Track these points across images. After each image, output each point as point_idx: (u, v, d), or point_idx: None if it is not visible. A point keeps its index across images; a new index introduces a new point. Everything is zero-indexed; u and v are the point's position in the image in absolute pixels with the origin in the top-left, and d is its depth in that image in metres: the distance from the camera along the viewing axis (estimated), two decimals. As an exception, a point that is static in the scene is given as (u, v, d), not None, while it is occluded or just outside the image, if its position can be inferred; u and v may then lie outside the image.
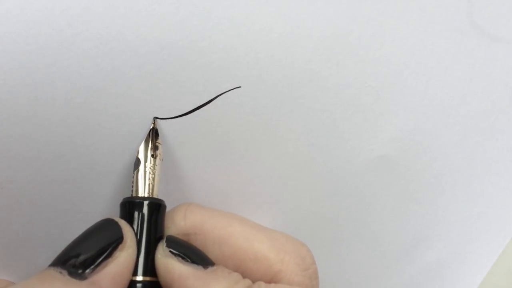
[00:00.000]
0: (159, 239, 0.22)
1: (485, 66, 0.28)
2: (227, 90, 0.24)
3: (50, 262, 0.20)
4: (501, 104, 0.30)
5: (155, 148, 0.23)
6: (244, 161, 0.26)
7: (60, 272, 0.19)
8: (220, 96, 0.24)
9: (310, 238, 0.29)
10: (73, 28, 0.21)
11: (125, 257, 0.20)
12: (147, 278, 0.21)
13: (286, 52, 0.24)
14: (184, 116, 0.24)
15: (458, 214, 0.33)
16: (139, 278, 0.21)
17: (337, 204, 0.30)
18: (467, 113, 0.29)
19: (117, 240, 0.20)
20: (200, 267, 0.21)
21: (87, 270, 0.19)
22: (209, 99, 0.24)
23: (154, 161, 0.23)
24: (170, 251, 0.21)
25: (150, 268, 0.21)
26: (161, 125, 0.24)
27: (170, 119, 0.24)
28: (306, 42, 0.24)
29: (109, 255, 0.20)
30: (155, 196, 0.23)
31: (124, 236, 0.21)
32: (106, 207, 0.25)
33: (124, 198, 0.23)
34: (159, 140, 0.24)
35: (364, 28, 0.25)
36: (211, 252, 0.22)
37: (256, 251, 0.22)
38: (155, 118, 0.23)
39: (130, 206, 0.22)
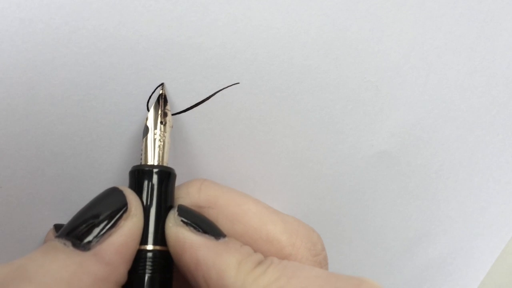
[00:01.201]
0: (169, 208, 0.21)
1: (485, 60, 0.28)
2: (225, 86, 0.24)
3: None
4: (502, 98, 0.30)
5: (164, 114, 0.23)
6: (243, 158, 0.26)
7: (64, 244, 0.19)
8: (219, 93, 0.24)
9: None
10: (70, 26, 0.21)
11: (130, 226, 0.20)
12: (157, 247, 0.20)
13: (284, 48, 0.24)
14: (182, 113, 0.24)
15: (460, 209, 0.33)
16: (149, 247, 0.20)
17: (337, 200, 0.30)
18: (467, 107, 0.29)
19: (122, 209, 0.20)
20: (212, 238, 0.20)
21: (91, 241, 0.19)
22: (208, 95, 0.24)
23: (164, 128, 0.23)
24: (182, 220, 0.21)
25: (160, 237, 0.21)
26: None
27: (173, 116, 0.24)
28: (304, 38, 0.24)
29: (114, 225, 0.19)
30: (165, 164, 0.22)
31: (128, 204, 0.20)
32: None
33: (133, 166, 0.22)
34: (167, 107, 0.23)
35: (363, 23, 0.25)
36: (223, 228, 0.22)
37: (268, 232, 0.22)
38: (163, 85, 0.23)
39: (139, 174, 0.21)
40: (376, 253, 0.33)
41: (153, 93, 0.23)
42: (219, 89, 0.24)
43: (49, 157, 0.23)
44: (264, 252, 0.21)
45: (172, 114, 0.24)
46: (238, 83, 0.24)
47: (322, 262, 0.23)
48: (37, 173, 0.24)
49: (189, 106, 0.24)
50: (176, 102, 0.24)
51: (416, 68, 0.27)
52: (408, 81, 0.27)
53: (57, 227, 0.24)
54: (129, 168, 0.25)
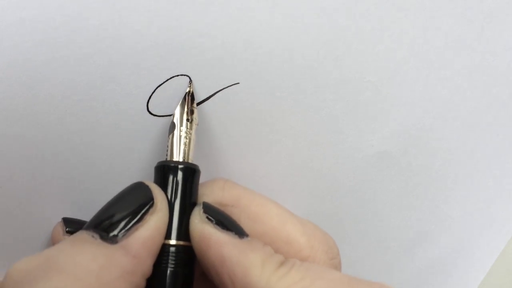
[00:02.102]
0: (193, 204, 0.22)
1: (485, 60, 0.28)
2: (226, 86, 0.24)
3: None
4: (502, 98, 0.30)
5: (190, 112, 0.23)
6: (243, 158, 0.26)
7: (92, 236, 0.19)
8: (219, 93, 0.24)
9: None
10: (70, 26, 0.21)
11: (156, 221, 0.20)
12: (181, 243, 0.21)
13: (284, 48, 0.24)
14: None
15: (460, 209, 0.33)
16: (173, 242, 0.21)
17: (338, 200, 0.30)
18: (467, 108, 0.29)
19: (148, 204, 0.20)
20: (236, 236, 0.21)
21: (118, 234, 0.19)
22: (208, 95, 0.24)
23: (190, 125, 0.23)
24: (207, 217, 0.21)
25: (184, 232, 0.21)
26: (160, 122, 0.24)
27: (168, 117, 0.24)
28: (304, 38, 0.24)
29: (140, 219, 0.20)
30: (190, 161, 0.22)
31: (155, 199, 0.20)
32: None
33: (159, 162, 0.22)
34: (194, 104, 0.23)
35: (363, 23, 0.25)
36: (244, 227, 0.22)
37: (288, 233, 0.22)
38: (191, 81, 0.23)
39: (164, 170, 0.22)
40: (376, 253, 0.33)
41: (152, 93, 0.23)
42: (219, 89, 0.24)
43: (49, 157, 0.23)
44: (283, 253, 0.22)
45: (172, 114, 0.24)
46: (238, 83, 0.24)
47: (338, 266, 0.23)
48: (37, 173, 0.24)
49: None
50: (176, 102, 0.24)
51: (416, 68, 0.27)
52: (408, 81, 0.27)
53: (66, 220, 0.24)
54: (129, 168, 0.25)
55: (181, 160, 0.22)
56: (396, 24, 0.25)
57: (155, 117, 0.24)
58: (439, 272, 0.35)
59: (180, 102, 0.23)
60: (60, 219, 0.25)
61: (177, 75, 0.23)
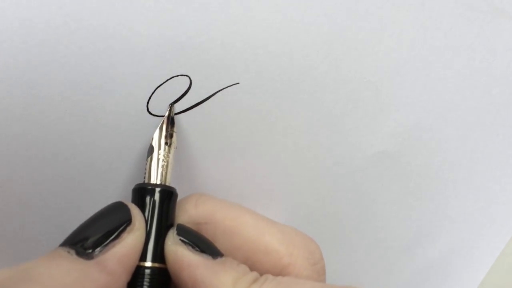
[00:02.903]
0: (169, 226, 0.22)
1: (486, 60, 0.28)
2: (225, 86, 0.24)
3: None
4: (502, 98, 0.30)
5: (169, 136, 0.23)
6: (243, 158, 0.26)
7: (68, 252, 0.19)
8: (218, 93, 0.24)
9: (311, 234, 0.29)
10: (70, 26, 0.21)
11: (132, 239, 0.20)
12: (156, 265, 0.21)
13: (284, 48, 0.24)
14: (182, 114, 0.24)
15: (460, 209, 0.33)
16: (148, 264, 0.21)
17: (337, 200, 0.30)
18: (467, 108, 0.29)
19: (126, 223, 0.20)
20: (210, 257, 0.21)
21: (95, 250, 0.19)
22: (207, 96, 0.24)
23: (168, 149, 0.23)
24: (180, 239, 0.21)
25: (159, 255, 0.21)
26: (160, 122, 0.24)
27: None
28: (304, 38, 0.24)
29: (117, 237, 0.20)
30: (167, 183, 0.23)
31: (132, 218, 0.21)
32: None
33: (137, 184, 0.23)
34: (174, 128, 0.24)
35: (363, 23, 0.25)
36: (221, 242, 0.22)
37: (266, 243, 0.22)
38: (171, 104, 0.23)
39: (142, 192, 0.22)
40: (376, 253, 0.33)
41: (153, 93, 0.23)
42: (219, 89, 0.24)
43: (49, 157, 0.23)
44: (263, 263, 0.22)
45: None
46: (238, 83, 0.24)
47: (320, 271, 0.23)
48: (37, 173, 0.24)
49: (189, 106, 0.24)
50: (178, 103, 0.24)
51: (416, 68, 0.26)
52: (408, 81, 0.27)
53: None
54: (129, 168, 0.25)
55: (158, 182, 0.22)
56: (396, 24, 0.25)
57: (155, 117, 0.24)
58: (439, 272, 0.35)
59: (159, 125, 0.23)
60: (59, 220, 0.25)
61: (177, 75, 0.23)
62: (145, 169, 0.23)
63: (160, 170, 0.23)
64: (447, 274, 0.35)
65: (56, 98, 0.22)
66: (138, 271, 0.21)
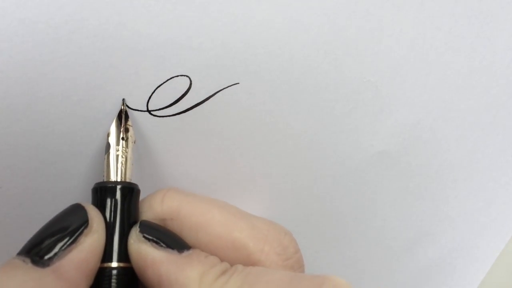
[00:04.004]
0: (133, 224, 0.21)
1: (485, 60, 0.28)
2: (225, 86, 0.24)
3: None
4: (502, 98, 0.30)
5: (125, 130, 0.23)
6: (243, 158, 0.26)
7: (23, 261, 0.19)
8: (218, 93, 0.24)
9: (311, 235, 0.29)
10: (70, 25, 0.21)
11: (90, 242, 0.19)
12: (121, 264, 0.20)
13: (284, 48, 0.24)
14: (182, 114, 0.24)
15: (460, 209, 0.33)
16: (113, 264, 0.20)
17: (338, 200, 0.30)
18: (467, 107, 0.29)
19: (83, 225, 0.20)
20: (175, 252, 0.20)
21: (50, 257, 0.19)
22: (208, 95, 0.24)
23: (126, 144, 0.22)
24: (144, 236, 0.21)
25: (124, 254, 0.21)
26: (158, 123, 0.24)
27: (168, 117, 0.24)
28: (304, 37, 0.24)
29: (74, 241, 0.19)
30: (128, 180, 0.22)
31: (90, 220, 0.20)
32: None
33: (95, 183, 0.22)
34: (129, 122, 0.23)
35: (363, 23, 0.25)
36: (188, 239, 0.21)
37: (234, 240, 0.21)
38: (124, 100, 0.23)
39: (101, 191, 0.21)
40: (376, 253, 0.33)
41: (153, 93, 0.23)
42: (219, 89, 0.24)
43: (49, 157, 0.23)
44: (231, 260, 0.21)
45: (173, 115, 0.24)
46: (238, 83, 0.24)
47: (294, 266, 0.22)
48: (37, 173, 0.24)
49: (189, 106, 0.24)
50: (178, 103, 0.24)
51: (416, 68, 0.26)
52: (408, 81, 0.27)
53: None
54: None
55: (118, 179, 0.22)
56: (396, 24, 0.25)
57: (155, 117, 0.24)
58: (439, 272, 0.35)
59: (114, 120, 0.23)
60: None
61: (177, 75, 0.23)
62: (104, 166, 0.22)
63: (119, 166, 0.22)
64: (447, 274, 0.35)
65: (56, 97, 0.22)
66: (103, 272, 0.20)
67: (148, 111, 0.23)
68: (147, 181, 0.25)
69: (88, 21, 0.21)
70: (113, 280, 0.20)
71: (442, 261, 0.35)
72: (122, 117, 0.23)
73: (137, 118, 0.24)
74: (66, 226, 0.19)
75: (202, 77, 0.23)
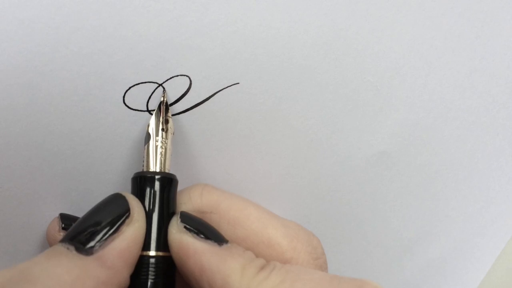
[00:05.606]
0: (171, 214, 0.22)
1: (485, 60, 0.28)
2: (225, 86, 0.24)
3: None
4: (502, 98, 0.30)
5: (165, 121, 0.23)
6: (243, 158, 0.26)
7: (67, 248, 0.19)
8: (218, 93, 0.24)
9: (310, 235, 0.29)
10: (70, 26, 0.21)
11: (132, 231, 0.20)
12: (160, 253, 0.21)
13: (284, 48, 0.24)
14: (182, 114, 0.24)
15: (460, 209, 0.33)
16: (152, 253, 0.21)
17: (337, 200, 0.30)
18: (467, 108, 0.29)
19: (124, 215, 0.20)
20: (215, 244, 0.21)
21: (94, 245, 0.19)
22: (208, 95, 0.24)
23: (165, 135, 0.23)
24: (185, 227, 0.21)
25: (163, 243, 0.21)
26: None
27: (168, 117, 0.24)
28: (304, 38, 0.24)
29: (116, 230, 0.20)
30: (167, 170, 0.22)
31: (131, 210, 0.20)
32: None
33: (135, 173, 0.22)
34: (169, 113, 0.23)
35: (363, 23, 0.25)
36: (224, 233, 0.22)
37: (270, 236, 0.22)
38: (164, 91, 0.23)
39: (141, 180, 0.22)
40: (376, 253, 0.33)
41: (152, 93, 0.23)
42: (219, 89, 0.24)
43: (49, 157, 0.23)
44: (265, 256, 0.22)
45: (172, 115, 0.24)
46: (238, 83, 0.24)
47: (322, 266, 0.23)
48: (37, 173, 0.24)
49: (189, 106, 0.24)
50: (178, 102, 0.24)
51: (416, 68, 0.27)
52: (408, 81, 0.27)
53: (63, 216, 0.24)
54: (129, 168, 0.25)
55: (157, 170, 0.22)
56: (396, 24, 0.25)
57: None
58: (439, 272, 0.35)
59: (155, 112, 0.23)
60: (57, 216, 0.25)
61: (177, 75, 0.23)
62: (143, 156, 0.23)
63: (158, 157, 0.22)
64: (447, 274, 0.35)
65: (56, 97, 0.22)
66: (142, 260, 0.21)
67: (148, 111, 0.23)
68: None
69: (88, 22, 0.21)
70: (151, 268, 0.21)
71: (442, 261, 0.35)
72: (162, 108, 0.23)
73: (137, 118, 0.24)
74: (108, 216, 0.20)
75: (202, 77, 0.23)
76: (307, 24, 0.24)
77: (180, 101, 0.24)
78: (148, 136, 0.23)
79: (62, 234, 0.23)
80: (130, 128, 0.24)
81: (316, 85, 0.25)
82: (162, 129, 0.23)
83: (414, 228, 0.32)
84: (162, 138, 0.23)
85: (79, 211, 0.25)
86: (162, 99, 0.23)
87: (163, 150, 0.22)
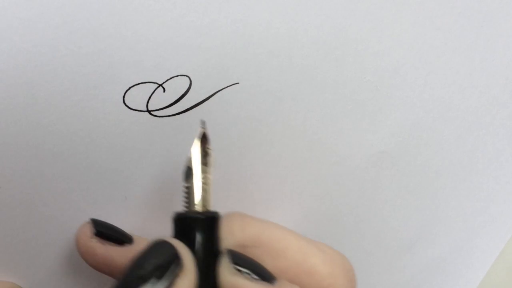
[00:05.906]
0: (216, 253, 0.20)
1: (485, 60, 0.28)
2: (225, 86, 0.24)
3: (51, 262, 0.19)
4: (502, 98, 0.30)
5: (206, 154, 0.21)
6: (243, 158, 0.26)
7: None
8: (218, 93, 0.24)
9: (310, 235, 0.29)
10: (70, 26, 0.21)
11: (186, 284, 0.19)
12: None
13: (284, 48, 0.24)
14: (182, 114, 0.24)
15: (459, 209, 0.33)
16: None
17: (337, 200, 0.30)
18: (467, 107, 0.29)
19: (176, 266, 0.19)
20: (268, 284, 0.20)
21: None
22: (207, 96, 0.24)
23: (207, 170, 0.21)
24: (236, 268, 0.20)
25: (212, 286, 0.20)
26: (160, 123, 0.24)
27: (168, 117, 0.24)
28: (304, 37, 0.24)
29: (170, 286, 0.18)
30: (210, 208, 0.21)
31: (183, 260, 0.19)
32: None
33: (177, 214, 0.21)
34: (209, 146, 0.22)
35: (362, 23, 0.25)
36: (266, 266, 0.21)
37: (310, 265, 0.21)
38: (203, 121, 0.22)
39: (185, 222, 0.20)
40: (376, 253, 0.33)
41: (152, 93, 0.23)
42: (219, 89, 0.24)
43: (49, 157, 0.23)
44: (306, 285, 0.21)
45: (172, 115, 0.24)
46: (238, 83, 0.24)
47: (354, 286, 0.23)
48: (37, 173, 0.24)
49: (189, 106, 0.24)
50: (177, 103, 0.24)
51: (416, 68, 0.27)
52: (407, 81, 0.27)
53: (95, 222, 0.23)
54: (129, 168, 0.25)
55: (200, 209, 0.21)
56: (396, 24, 0.25)
57: (155, 117, 0.24)
58: (439, 272, 0.35)
59: (195, 144, 0.21)
60: (59, 220, 0.24)
61: (177, 75, 0.23)
62: (184, 193, 0.21)
63: (202, 194, 0.21)
64: (447, 274, 0.35)
65: (56, 97, 0.22)
66: None
67: (148, 111, 0.23)
68: (150, 179, 0.25)
69: (88, 21, 0.21)
70: None
71: (442, 261, 0.35)
72: (203, 141, 0.21)
73: (137, 118, 0.24)
74: (159, 269, 0.18)
75: (202, 77, 0.23)
76: (307, 24, 0.24)
77: (180, 101, 0.24)
78: (189, 171, 0.21)
79: (95, 239, 0.23)
80: (130, 128, 0.24)
81: (315, 85, 0.25)
82: (204, 164, 0.21)
83: (414, 228, 0.32)
84: (205, 173, 0.21)
85: (79, 211, 0.25)
86: (200, 130, 0.22)
87: (207, 186, 0.21)
